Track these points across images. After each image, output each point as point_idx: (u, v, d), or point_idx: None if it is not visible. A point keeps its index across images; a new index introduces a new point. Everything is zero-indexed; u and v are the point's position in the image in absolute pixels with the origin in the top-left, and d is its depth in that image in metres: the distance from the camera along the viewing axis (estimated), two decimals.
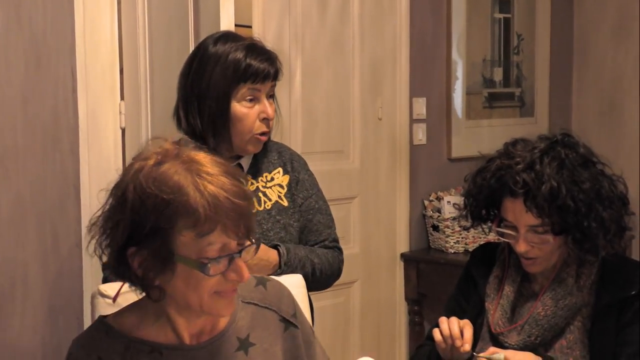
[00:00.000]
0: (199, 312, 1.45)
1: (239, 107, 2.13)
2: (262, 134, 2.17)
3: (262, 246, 2.08)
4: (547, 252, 1.98)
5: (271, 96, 2.19)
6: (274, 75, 2.16)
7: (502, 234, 2.02)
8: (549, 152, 1.97)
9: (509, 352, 1.91)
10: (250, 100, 2.14)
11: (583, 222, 1.92)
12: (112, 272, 1.49)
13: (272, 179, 2.24)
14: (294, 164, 2.28)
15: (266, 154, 2.25)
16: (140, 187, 1.36)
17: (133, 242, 1.38)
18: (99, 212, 1.44)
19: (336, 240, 2.31)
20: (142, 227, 1.35)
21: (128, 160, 2.52)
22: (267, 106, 2.16)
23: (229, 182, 1.38)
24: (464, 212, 2.11)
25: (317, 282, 2.23)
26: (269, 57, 2.16)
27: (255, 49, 2.15)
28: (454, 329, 1.93)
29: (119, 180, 1.42)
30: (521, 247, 1.97)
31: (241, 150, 2.19)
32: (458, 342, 1.91)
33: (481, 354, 1.92)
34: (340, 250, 2.32)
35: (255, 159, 2.24)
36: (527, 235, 1.96)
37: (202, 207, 1.34)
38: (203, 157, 1.41)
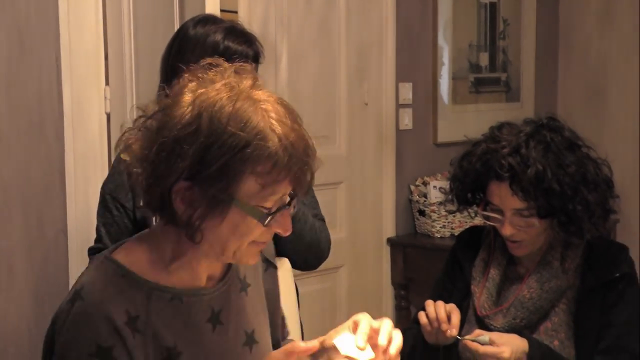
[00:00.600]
0: (229, 258, 1.36)
1: None
2: None
3: None
4: (532, 235, 1.99)
5: None
6: (254, 58, 2.14)
7: (487, 218, 2.02)
8: (535, 136, 1.97)
9: (495, 335, 1.92)
10: None
11: (568, 205, 1.92)
12: (148, 206, 1.34)
13: None
14: None
15: None
16: (219, 121, 1.24)
17: (187, 177, 1.26)
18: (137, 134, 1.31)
19: (322, 219, 2.31)
20: (209, 164, 1.24)
21: (113, 146, 2.53)
22: None
23: (302, 133, 1.32)
24: (450, 196, 2.12)
25: (317, 251, 2.23)
26: (248, 39, 2.14)
27: (234, 31, 2.14)
28: (440, 312, 1.93)
29: (180, 104, 1.28)
30: (507, 231, 1.98)
31: None
32: (444, 326, 1.92)
33: (467, 337, 1.93)
34: (324, 221, 2.31)
35: None
36: (513, 218, 1.97)
37: (281, 154, 1.26)
38: (274, 100, 1.33)
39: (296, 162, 1.28)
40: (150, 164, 1.28)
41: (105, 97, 2.63)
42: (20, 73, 2.39)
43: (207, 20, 2.16)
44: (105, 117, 2.63)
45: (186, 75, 1.35)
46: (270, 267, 1.58)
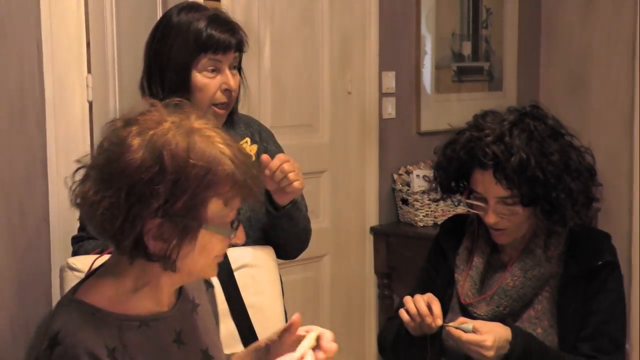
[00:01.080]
0: (195, 276, 1.48)
1: (199, 77, 2.12)
2: (222, 106, 2.15)
3: None
4: (515, 223, 1.99)
5: (235, 67, 2.17)
6: (237, 46, 2.14)
7: (471, 206, 2.03)
8: (518, 124, 1.97)
9: (478, 323, 1.93)
10: (212, 71, 2.12)
11: (552, 193, 1.93)
12: (121, 250, 1.40)
13: None
14: (262, 134, 2.28)
15: (233, 126, 2.24)
16: (180, 156, 1.34)
17: (157, 215, 1.35)
18: (95, 191, 1.37)
19: (306, 209, 2.32)
20: (178, 197, 1.34)
21: (96, 134, 2.51)
22: (229, 77, 2.13)
23: (244, 149, 1.45)
24: (434, 185, 2.12)
25: (305, 240, 2.26)
26: (231, 28, 2.13)
27: (218, 19, 2.13)
28: (421, 306, 1.94)
29: (130, 149, 1.35)
30: (490, 219, 1.98)
31: None
32: (428, 319, 1.93)
33: (450, 324, 1.93)
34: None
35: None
36: (497, 206, 1.97)
37: (237, 173, 1.38)
38: (212, 127, 1.42)
39: (249, 177, 1.41)
40: (120, 210, 1.34)
41: (88, 85, 2.61)
42: (0, 61, 2.37)
43: (191, 7, 2.15)
44: (87, 105, 2.61)
45: (117, 121, 1.42)
46: (210, 287, 1.70)
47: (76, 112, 2.57)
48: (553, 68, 4.81)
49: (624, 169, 4.50)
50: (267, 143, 2.27)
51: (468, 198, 2.04)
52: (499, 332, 1.91)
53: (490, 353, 1.88)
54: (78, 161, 1.43)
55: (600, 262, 2.01)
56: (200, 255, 1.41)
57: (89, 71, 2.63)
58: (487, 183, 1.97)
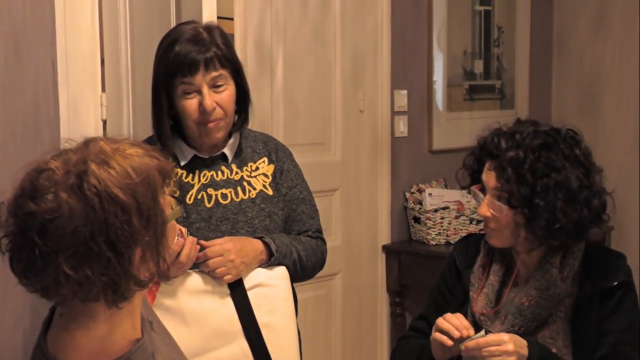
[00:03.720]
0: (165, 274, 1.43)
1: (180, 101, 2.12)
2: (203, 122, 2.12)
3: (248, 243, 2.10)
4: (501, 224, 2.00)
5: (219, 85, 2.12)
6: (206, 64, 2.09)
7: (476, 195, 2.06)
8: (549, 145, 1.98)
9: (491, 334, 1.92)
10: (189, 93, 2.10)
11: (533, 199, 1.94)
12: (117, 303, 1.34)
13: (257, 168, 2.23)
14: (279, 154, 2.28)
15: (252, 144, 2.25)
16: (127, 186, 1.31)
17: (139, 245, 1.33)
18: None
19: (320, 231, 2.32)
20: (148, 218, 1.33)
21: None
22: (204, 96, 2.09)
23: (146, 145, 1.46)
24: (462, 171, 2.15)
25: (303, 269, 2.23)
26: (201, 47, 2.09)
27: (189, 40, 2.10)
28: (462, 320, 1.94)
29: (75, 209, 1.27)
30: (482, 210, 2.03)
31: (200, 145, 2.18)
32: (471, 332, 1.93)
33: (464, 342, 1.92)
34: (323, 240, 2.32)
35: (240, 148, 2.24)
36: (490, 200, 2.00)
37: (158, 164, 1.40)
38: (113, 142, 1.40)
39: (166, 161, 1.42)
40: (113, 265, 1.29)
41: (102, 104, 2.63)
42: (16, 79, 2.38)
43: (171, 31, 2.17)
44: (101, 124, 2.63)
45: (19, 199, 1.31)
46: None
47: (90, 130, 2.58)
48: (565, 86, 4.82)
49: (636, 188, 4.48)
50: (284, 162, 2.27)
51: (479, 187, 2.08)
52: (515, 336, 1.91)
53: (510, 346, 1.86)
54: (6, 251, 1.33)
55: (615, 283, 2.00)
56: (168, 254, 1.44)
57: (103, 90, 2.64)
58: (487, 170, 2.02)
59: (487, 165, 2.03)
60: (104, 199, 1.28)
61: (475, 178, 2.11)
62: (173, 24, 2.49)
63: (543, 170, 1.94)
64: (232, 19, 3.19)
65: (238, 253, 2.06)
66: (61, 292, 1.30)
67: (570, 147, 2.00)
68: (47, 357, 1.37)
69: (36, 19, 2.43)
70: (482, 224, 2.09)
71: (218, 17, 2.49)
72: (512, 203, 1.97)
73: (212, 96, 2.10)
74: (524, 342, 1.91)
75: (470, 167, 2.12)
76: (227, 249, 2.05)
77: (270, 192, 2.22)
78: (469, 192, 2.14)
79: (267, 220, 2.19)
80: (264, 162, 2.24)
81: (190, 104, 2.11)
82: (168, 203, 1.43)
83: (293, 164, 2.30)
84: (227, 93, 2.14)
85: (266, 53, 3.35)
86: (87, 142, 1.37)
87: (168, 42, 2.12)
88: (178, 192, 1.51)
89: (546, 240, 1.98)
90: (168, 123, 2.15)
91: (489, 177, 2.01)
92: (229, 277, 2.06)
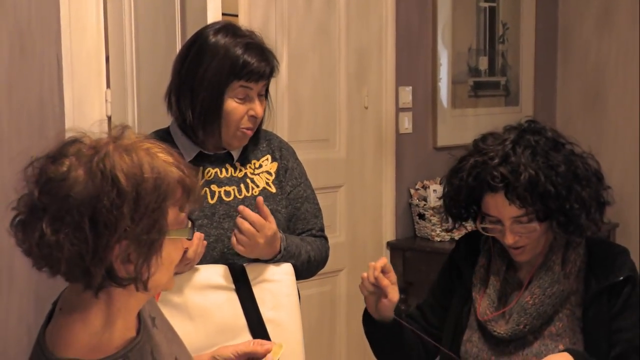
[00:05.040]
0: (159, 290, 1.47)
1: (229, 102, 2.12)
2: (248, 128, 2.17)
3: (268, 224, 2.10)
4: (534, 239, 1.98)
5: (262, 95, 2.17)
6: (269, 75, 2.16)
7: (487, 230, 2.02)
8: (520, 142, 1.96)
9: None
10: (242, 98, 2.13)
11: (565, 205, 1.92)
12: (91, 287, 1.35)
13: (261, 166, 2.24)
14: (282, 152, 2.28)
15: (255, 142, 2.25)
16: (134, 175, 1.33)
17: (124, 237, 1.33)
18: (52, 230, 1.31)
19: (322, 230, 2.32)
20: (142, 214, 1.33)
21: None
22: (257, 105, 2.14)
23: (178, 155, 1.46)
24: (444, 215, 2.12)
25: (309, 270, 2.24)
26: (267, 57, 2.14)
27: (254, 47, 2.13)
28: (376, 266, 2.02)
29: (77, 180, 1.31)
30: (509, 240, 1.97)
31: (227, 145, 2.19)
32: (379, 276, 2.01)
33: None
34: (326, 239, 2.33)
35: (244, 146, 2.24)
36: (513, 226, 1.96)
37: (184, 177, 1.40)
38: (144, 138, 1.43)
39: (194, 179, 1.44)
40: (88, 243, 1.30)
41: (106, 100, 2.63)
42: (21, 75, 2.39)
43: (228, 30, 2.15)
44: (106, 120, 2.63)
45: (42, 160, 1.38)
46: None
47: (95, 126, 2.58)
48: (570, 82, 4.81)
49: None
50: (288, 160, 2.28)
51: (482, 222, 2.03)
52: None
53: None
54: (14, 208, 1.38)
55: (621, 278, 1.99)
56: (166, 267, 1.42)
57: (108, 86, 2.65)
58: (500, 205, 1.95)
59: (493, 199, 1.95)
60: (106, 177, 1.31)
61: (458, 213, 2.08)
62: (178, 20, 2.49)
63: (553, 173, 1.93)
64: (236, 16, 3.19)
65: (266, 240, 2.07)
66: (35, 253, 1.35)
67: (543, 135, 2.00)
68: (45, 353, 1.38)
69: (41, 15, 2.44)
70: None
71: (223, 14, 2.50)
72: (540, 218, 1.95)
73: (260, 105, 2.16)
74: None
75: (459, 207, 2.06)
76: (267, 229, 2.06)
77: (274, 190, 2.22)
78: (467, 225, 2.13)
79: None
80: (267, 159, 2.25)
81: (241, 108, 2.13)
82: (181, 219, 1.42)
83: (297, 162, 2.30)
84: (264, 103, 2.19)
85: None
86: (124, 130, 1.41)
87: (232, 44, 2.11)
88: (192, 225, 1.48)
89: (576, 232, 1.97)
90: (189, 117, 2.15)
91: (507, 210, 1.94)
92: (240, 249, 2.06)
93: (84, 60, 2.55)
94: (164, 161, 1.39)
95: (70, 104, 2.52)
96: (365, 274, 2.04)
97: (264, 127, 2.27)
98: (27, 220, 1.36)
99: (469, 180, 1.98)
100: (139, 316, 1.49)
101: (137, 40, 2.64)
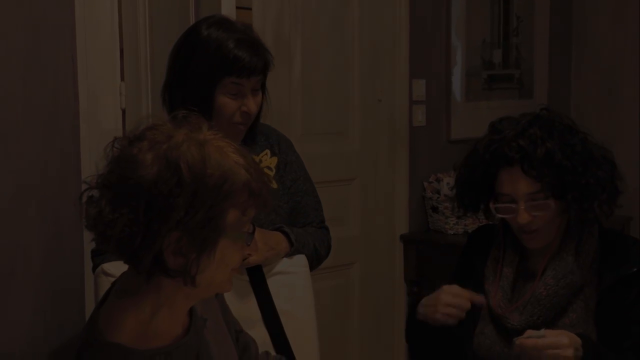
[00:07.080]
0: (213, 290, 1.47)
1: (221, 98, 2.09)
2: (241, 124, 2.14)
3: (270, 233, 2.10)
4: (547, 220, 1.97)
5: (257, 90, 2.14)
6: (261, 71, 2.12)
7: (500, 210, 2.01)
8: (536, 122, 1.98)
9: (547, 331, 1.88)
10: (234, 93, 2.10)
11: (581, 180, 1.92)
12: (140, 271, 1.37)
13: (260, 161, 2.22)
14: (281, 146, 2.27)
15: (252, 137, 2.23)
16: (197, 168, 1.33)
17: (177, 228, 1.33)
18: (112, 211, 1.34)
19: (323, 221, 2.33)
20: (197, 209, 1.33)
21: None
22: (250, 101, 2.11)
23: (254, 159, 1.45)
24: (455, 203, 2.12)
25: (316, 260, 2.24)
26: (258, 52, 2.10)
27: (246, 41, 2.10)
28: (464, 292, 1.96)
29: (143, 164, 1.33)
30: (523, 219, 1.96)
31: None
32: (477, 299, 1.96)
33: (519, 337, 1.86)
34: (327, 229, 2.33)
35: (242, 141, 2.23)
36: (527, 205, 1.95)
37: (252, 182, 1.39)
38: (221, 138, 1.42)
39: (264, 186, 1.42)
40: (140, 226, 1.33)
41: (121, 93, 2.64)
42: (36, 69, 2.40)
43: (221, 24, 2.12)
44: (120, 113, 2.65)
45: (122, 140, 1.41)
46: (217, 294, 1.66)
47: (109, 120, 2.60)
48: (584, 75, 4.79)
49: None
50: (287, 154, 2.27)
51: (495, 203, 2.02)
52: (570, 334, 1.85)
53: (570, 351, 1.82)
54: (85, 182, 1.41)
55: (634, 269, 1.99)
56: (219, 267, 1.40)
57: (122, 79, 2.66)
58: (515, 180, 1.95)
59: (508, 174, 1.96)
60: (169, 165, 1.33)
61: (470, 201, 2.08)
62: (192, 14, 2.49)
63: (570, 149, 1.93)
64: (250, 9, 3.19)
65: (266, 243, 2.06)
66: (93, 228, 1.37)
67: (559, 119, 2.00)
68: (95, 332, 1.41)
69: (56, 9, 2.45)
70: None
71: (237, 7, 2.50)
72: (556, 194, 1.95)
73: (254, 100, 2.12)
74: (579, 342, 1.85)
75: (471, 202, 2.07)
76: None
77: (275, 185, 2.21)
78: (479, 215, 2.12)
79: (273, 215, 2.18)
80: (266, 154, 2.23)
81: (233, 103, 2.10)
82: (242, 222, 1.41)
83: (295, 155, 2.30)
84: (260, 98, 2.16)
85: (284, 43, 3.35)
86: (202, 125, 1.42)
87: (224, 39, 2.08)
88: (253, 232, 1.47)
89: (590, 210, 1.97)
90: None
91: (521, 184, 1.94)
92: (253, 259, 2.05)
93: (98, 53, 2.56)
94: (234, 161, 1.38)
95: (84, 98, 2.53)
96: (458, 302, 1.98)
97: (264, 117, 2.25)
98: (94, 195, 1.38)
99: (486, 155, 1.99)
100: (191, 316, 1.49)
101: (151, 33, 2.65)
